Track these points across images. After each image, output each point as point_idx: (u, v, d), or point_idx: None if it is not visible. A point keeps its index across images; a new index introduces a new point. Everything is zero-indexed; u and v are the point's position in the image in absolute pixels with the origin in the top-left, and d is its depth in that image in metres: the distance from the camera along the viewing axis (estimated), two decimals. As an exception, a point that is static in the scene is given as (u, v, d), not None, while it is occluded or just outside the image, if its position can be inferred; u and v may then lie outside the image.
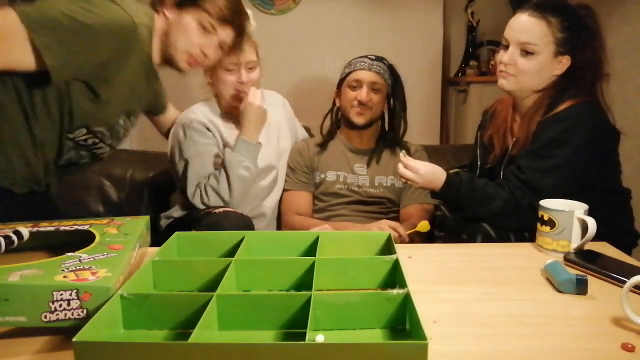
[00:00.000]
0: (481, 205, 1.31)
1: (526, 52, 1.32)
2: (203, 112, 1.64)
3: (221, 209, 1.46)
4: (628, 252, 1.28)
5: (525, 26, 1.32)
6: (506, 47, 1.36)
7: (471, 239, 1.31)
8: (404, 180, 1.34)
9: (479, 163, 1.53)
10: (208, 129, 1.61)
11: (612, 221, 1.08)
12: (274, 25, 2.76)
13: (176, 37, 1.32)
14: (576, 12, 1.34)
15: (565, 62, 1.33)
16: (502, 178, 1.38)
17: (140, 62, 1.30)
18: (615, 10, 2.15)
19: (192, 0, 1.32)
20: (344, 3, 2.81)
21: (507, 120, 1.45)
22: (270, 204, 1.73)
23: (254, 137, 1.56)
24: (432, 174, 1.31)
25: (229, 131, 1.63)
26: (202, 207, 1.53)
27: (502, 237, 1.30)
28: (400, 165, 1.33)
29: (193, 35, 1.31)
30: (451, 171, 1.37)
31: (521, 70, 1.33)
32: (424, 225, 1.45)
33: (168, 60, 1.36)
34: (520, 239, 1.28)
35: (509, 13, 2.61)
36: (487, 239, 1.29)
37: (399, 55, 2.68)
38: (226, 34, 1.36)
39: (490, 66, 2.92)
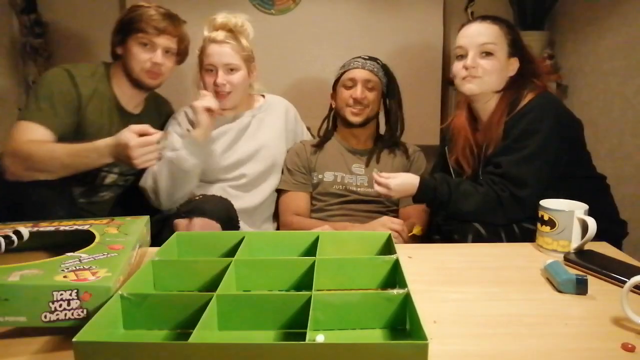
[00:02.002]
0: (461, 200, 1.34)
1: (486, 54, 1.39)
2: (184, 117, 1.71)
3: (200, 195, 1.52)
4: (619, 242, 1.34)
5: (482, 29, 1.40)
6: (461, 57, 1.42)
7: (462, 239, 1.32)
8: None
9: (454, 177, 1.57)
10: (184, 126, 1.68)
11: (597, 207, 1.11)
12: (274, 25, 2.76)
13: (130, 64, 1.55)
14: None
15: (515, 64, 1.41)
16: (481, 178, 1.40)
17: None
18: (615, 10, 2.15)
19: (128, 29, 1.54)
20: (344, 3, 2.80)
21: (468, 138, 1.50)
22: (254, 202, 1.73)
23: (199, 137, 1.57)
24: (401, 184, 1.39)
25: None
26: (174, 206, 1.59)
27: (493, 234, 1.31)
28: (374, 184, 1.41)
29: (139, 55, 1.53)
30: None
31: (486, 70, 1.39)
32: (417, 230, 1.50)
33: (136, 83, 1.58)
34: (510, 234, 1.30)
35: (509, 13, 2.63)
36: (478, 237, 1.30)
37: (399, 55, 2.70)
38: (165, 40, 1.55)
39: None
